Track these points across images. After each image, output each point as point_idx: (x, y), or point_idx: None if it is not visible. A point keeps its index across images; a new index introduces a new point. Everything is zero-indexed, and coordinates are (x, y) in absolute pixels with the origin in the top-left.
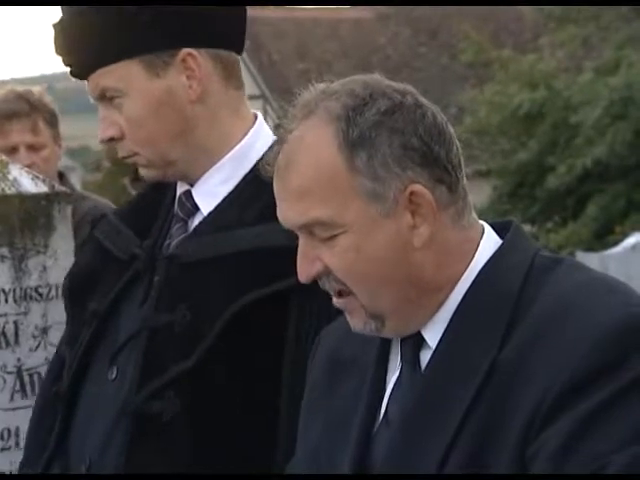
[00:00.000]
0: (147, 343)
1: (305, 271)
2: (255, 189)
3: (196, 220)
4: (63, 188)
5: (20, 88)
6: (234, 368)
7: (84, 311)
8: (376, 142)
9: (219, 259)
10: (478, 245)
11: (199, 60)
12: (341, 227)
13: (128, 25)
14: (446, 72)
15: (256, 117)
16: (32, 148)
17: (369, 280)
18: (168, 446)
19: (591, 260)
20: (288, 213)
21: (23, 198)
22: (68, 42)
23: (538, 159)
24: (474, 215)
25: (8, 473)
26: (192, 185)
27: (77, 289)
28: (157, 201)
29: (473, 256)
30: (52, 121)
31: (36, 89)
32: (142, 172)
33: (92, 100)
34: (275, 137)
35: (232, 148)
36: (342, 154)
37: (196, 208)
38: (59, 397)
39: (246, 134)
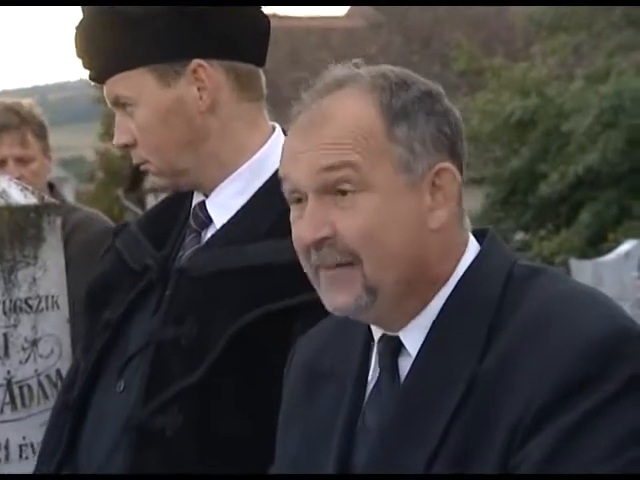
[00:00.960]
0: (154, 357)
1: (311, 233)
2: (268, 202)
3: (209, 232)
4: (53, 200)
5: (9, 100)
6: (240, 383)
7: (100, 320)
8: (418, 118)
9: (229, 273)
10: (466, 250)
11: (209, 71)
12: (365, 184)
13: (142, 33)
14: (438, 81)
15: (274, 129)
16: (21, 161)
17: (381, 248)
18: (172, 461)
19: (585, 268)
20: (311, 162)
21: (12, 210)
22: (87, 46)
23: (530, 166)
24: (467, 220)
25: None
26: (207, 196)
27: (94, 298)
28: (176, 211)
29: (459, 261)
30: (41, 133)
31: (26, 101)
32: (154, 180)
33: (109, 105)
34: None
35: (248, 160)
36: (383, 118)
37: (210, 220)
38: (68, 406)
39: (263, 146)
